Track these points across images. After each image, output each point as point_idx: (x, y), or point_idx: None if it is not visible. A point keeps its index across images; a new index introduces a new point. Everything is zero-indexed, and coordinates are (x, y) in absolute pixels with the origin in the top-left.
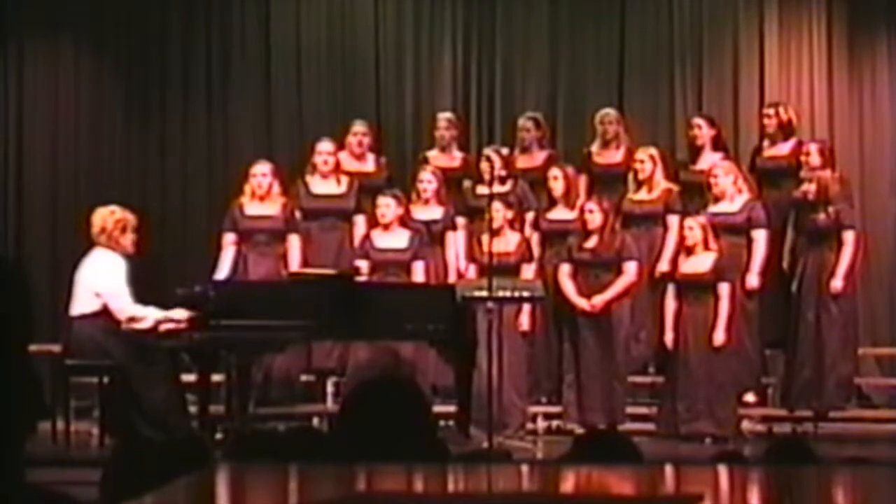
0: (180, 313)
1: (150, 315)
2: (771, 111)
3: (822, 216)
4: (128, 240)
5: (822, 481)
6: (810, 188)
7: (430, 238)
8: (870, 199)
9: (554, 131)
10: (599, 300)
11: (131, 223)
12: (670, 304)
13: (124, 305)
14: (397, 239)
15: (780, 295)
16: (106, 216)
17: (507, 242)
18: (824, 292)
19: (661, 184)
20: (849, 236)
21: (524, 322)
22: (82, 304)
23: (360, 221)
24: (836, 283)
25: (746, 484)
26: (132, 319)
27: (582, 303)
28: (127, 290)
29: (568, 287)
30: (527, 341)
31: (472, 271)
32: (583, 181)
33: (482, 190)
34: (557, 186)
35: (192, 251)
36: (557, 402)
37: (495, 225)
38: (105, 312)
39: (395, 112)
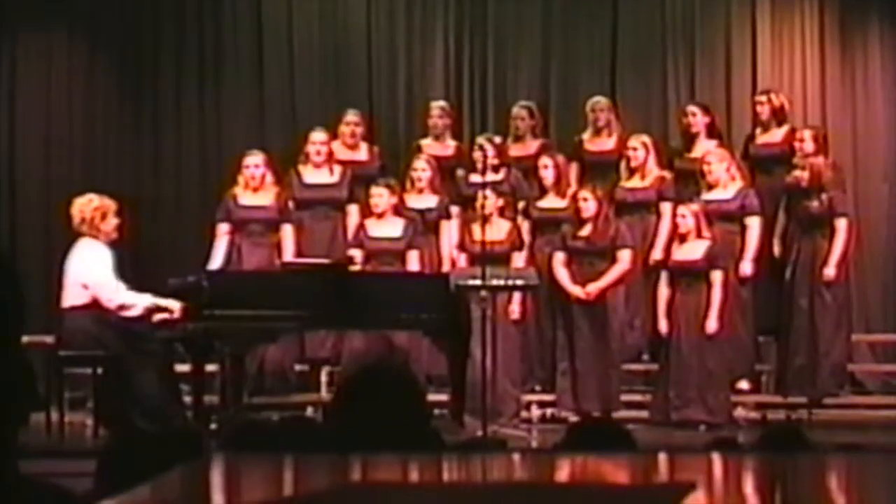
0: (173, 303)
1: (140, 302)
2: (763, 98)
3: (815, 203)
4: (109, 225)
5: (815, 468)
6: (803, 175)
7: (424, 227)
8: (863, 186)
9: (546, 120)
10: (594, 288)
11: (111, 209)
12: (663, 292)
13: (112, 294)
14: (391, 228)
15: (773, 282)
16: (84, 206)
17: (498, 230)
18: (817, 279)
19: (654, 171)
20: (842, 224)
21: (515, 311)
22: (72, 296)
23: (353, 211)
24: (829, 271)
25: (740, 471)
26: (122, 307)
27: (577, 291)
28: (114, 278)
29: (562, 275)
30: (519, 329)
31: (462, 260)
32: (574, 169)
33: (475, 178)
34: (548, 175)
35: (186, 241)
36: (551, 391)
37: (485, 213)
38: (96, 303)
39: (388, 101)
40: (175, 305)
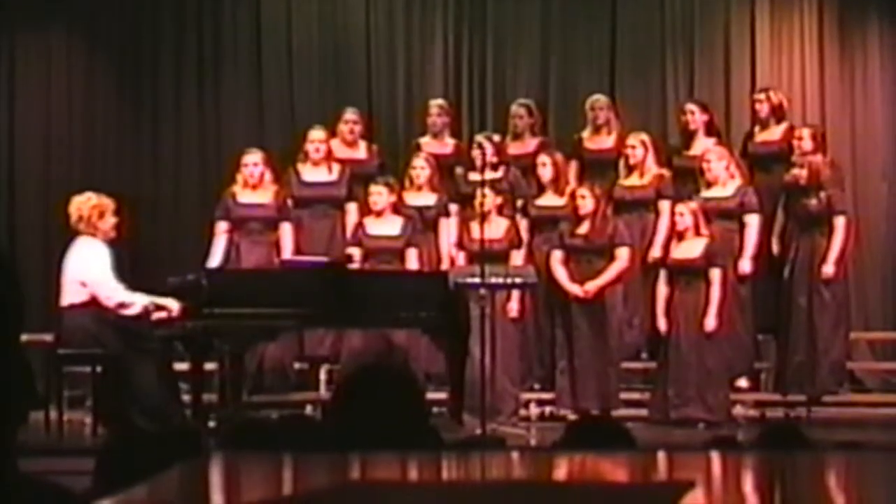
0: (171, 302)
1: (138, 301)
2: (762, 96)
3: (813, 201)
4: (107, 224)
5: (814, 466)
6: (802, 173)
7: (423, 225)
8: (861, 184)
9: (545, 118)
10: (592, 286)
11: (109, 207)
12: (662, 290)
13: (111, 292)
14: (390, 226)
15: (772, 280)
16: (82, 204)
17: (497, 228)
18: (816, 277)
19: (653, 169)
20: (840, 222)
21: (514, 308)
22: (71, 294)
23: (351, 209)
24: (828, 269)
25: (738, 469)
26: (121, 306)
27: (575, 289)
28: (112, 277)
29: (560, 273)
30: (518, 328)
31: (461, 258)
32: (573, 167)
33: (474, 176)
34: (546, 173)
35: (185, 239)
36: (550, 389)
37: (484, 211)
38: (95, 302)
39: (387, 99)
40: (174, 305)
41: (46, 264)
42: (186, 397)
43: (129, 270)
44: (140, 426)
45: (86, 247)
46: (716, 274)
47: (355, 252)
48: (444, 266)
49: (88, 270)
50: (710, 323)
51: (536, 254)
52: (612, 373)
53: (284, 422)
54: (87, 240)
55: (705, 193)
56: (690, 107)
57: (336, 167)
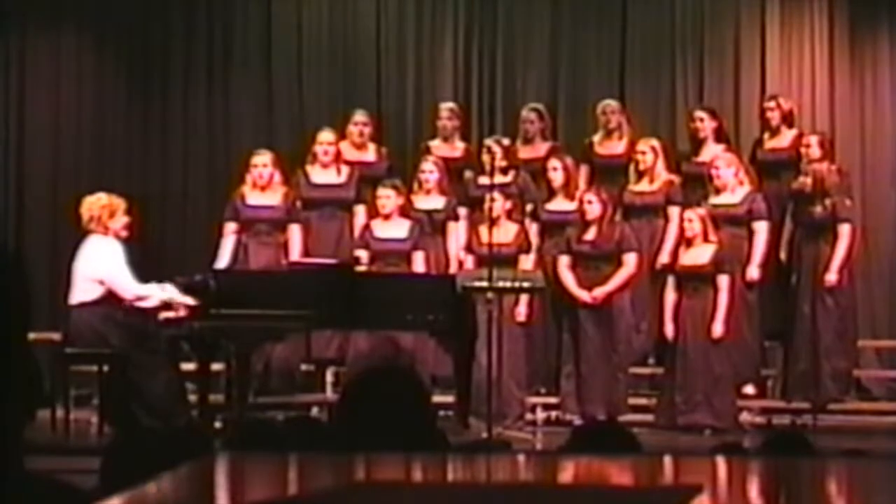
0: (187, 300)
1: (155, 294)
2: (772, 104)
3: (818, 209)
4: (118, 223)
5: (819, 473)
6: (807, 181)
7: (431, 228)
8: (870, 192)
9: (555, 122)
10: (600, 292)
11: (120, 207)
12: (670, 296)
13: (128, 285)
14: (397, 229)
15: (779, 287)
16: (92, 203)
17: (506, 233)
18: (819, 285)
19: (662, 175)
20: (844, 229)
21: (521, 313)
22: (81, 292)
23: (360, 211)
24: (830, 277)
25: (745, 475)
26: (139, 298)
27: (583, 295)
28: (128, 271)
29: (568, 279)
30: (525, 332)
31: (470, 262)
32: (584, 172)
33: (483, 180)
34: (557, 177)
35: (193, 240)
36: (556, 393)
37: (493, 215)
38: (104, 300)
39: (397, 102)
40: (188, 302)
41: (54, 262)
42: (193, 397)
43: (138, 269)
44: (146, 426)
45: (99, 244)
46: (723, 280)
47: (363, 254)
48: (452, 269)
49: (104, 266)
50: (718, 329)
51: (547, 258)
52: (619, 378)
53: (290, 423)
54: (100, 238)
55: (714, 200)
56: (699, 114)
57: (345, 169)
